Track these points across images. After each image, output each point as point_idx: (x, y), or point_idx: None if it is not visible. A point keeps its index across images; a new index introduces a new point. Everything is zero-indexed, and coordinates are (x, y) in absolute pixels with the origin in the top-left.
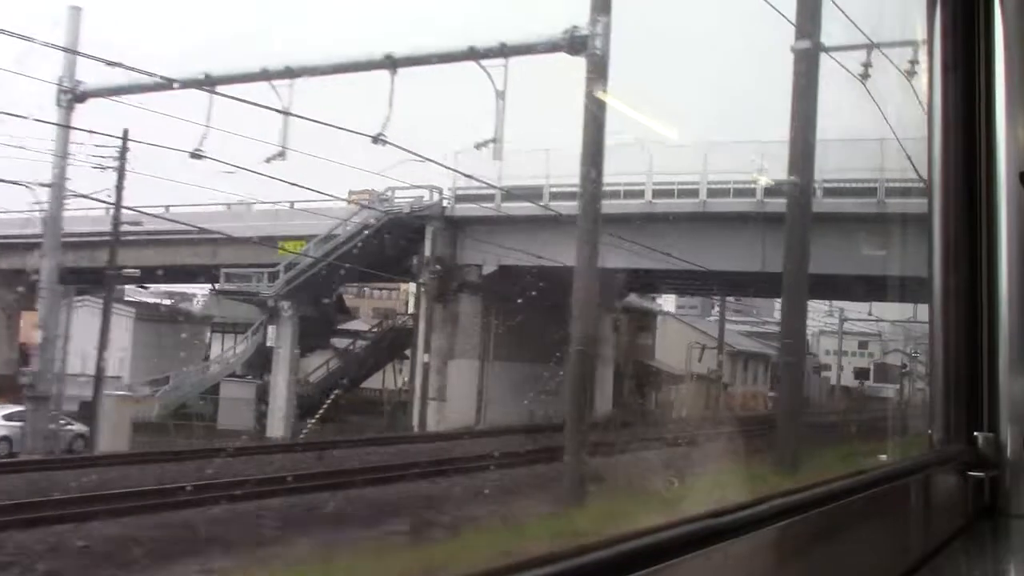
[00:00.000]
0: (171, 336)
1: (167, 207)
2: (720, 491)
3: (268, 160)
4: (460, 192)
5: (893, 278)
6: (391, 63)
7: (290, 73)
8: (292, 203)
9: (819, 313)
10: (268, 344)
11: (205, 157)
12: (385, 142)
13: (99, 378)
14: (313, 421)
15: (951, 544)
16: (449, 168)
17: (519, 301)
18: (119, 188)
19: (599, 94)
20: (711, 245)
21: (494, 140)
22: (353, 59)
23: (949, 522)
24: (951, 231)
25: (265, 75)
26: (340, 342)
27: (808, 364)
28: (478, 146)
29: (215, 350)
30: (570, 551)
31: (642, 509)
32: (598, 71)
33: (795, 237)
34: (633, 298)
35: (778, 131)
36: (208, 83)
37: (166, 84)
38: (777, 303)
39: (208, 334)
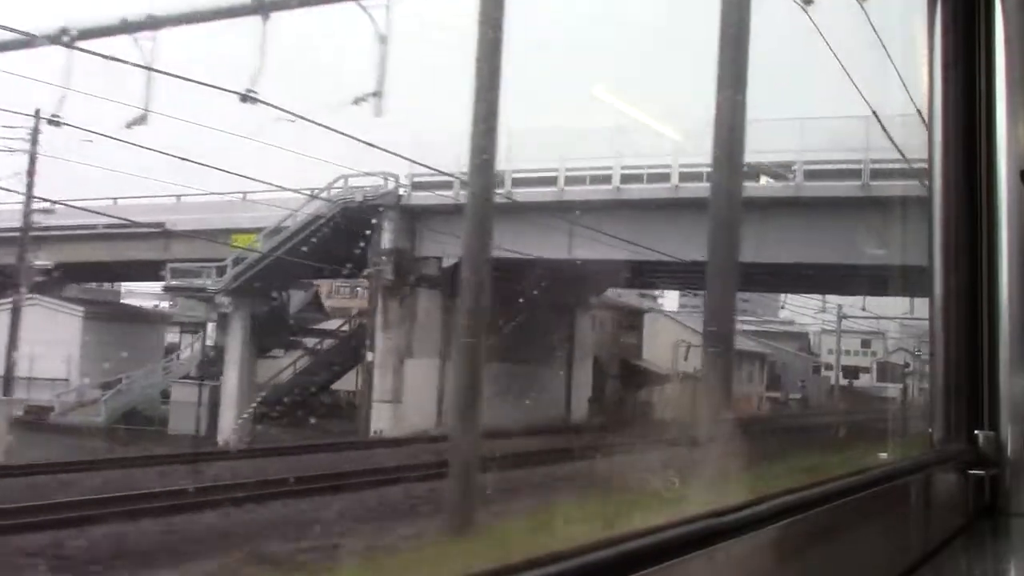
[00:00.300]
0: (129, 336)
1: (115, 199)
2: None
3: (129, 125)
4: (417, 179)
5: (883, 268)
6: (261, 7)
7: (153, 23)
8: (244, 193)
9: (811, 309)
10: (208, 343)
11: (64, 124)
12: (256, 100)
13: (8, 380)
14: (232, 430)
15: (952, 543)
16: (360, 142)
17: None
18: (30, 173)
19: (492, 33)
20: (685, 234)
21: (375, 94)
22: (216, 5)
23: (949, 521)
24: (952, 229)
25: (125, 27)
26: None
27: (807, 363)
28: (357, 101)
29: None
30: (572, 551)
31: (523, 544)
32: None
33: (720, 216)
34: (614, 294)
35: (765, 105)
36: (68, 38)
37: (27, 40)
38: (782, 298)
39: (176, 334)
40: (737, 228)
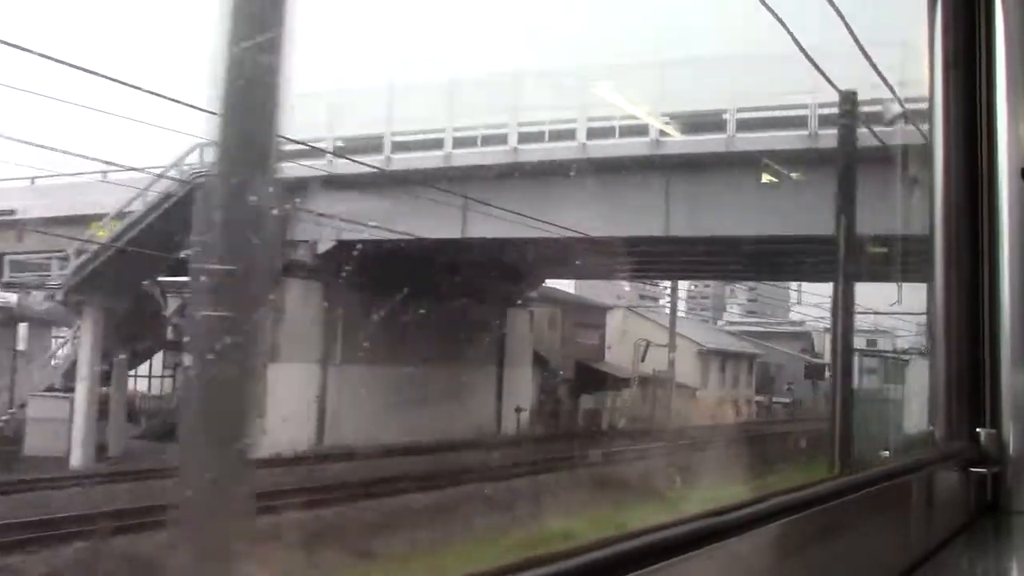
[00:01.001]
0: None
1: None
2: None
3: None
4: (286, 147)
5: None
6: None
7: None
8: (104, 172)
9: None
10: (19, 347)
11: None
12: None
13: None
14: (82, 451)
15: (953, 541)
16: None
17: (371, 286)
18: None
19: None
20: (599, 204)
21: None
22: None
23: (951, 519)
24: (952, 227)
25: None
26: None
27: (804, 365)
28: None
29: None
30: (573, 550)
31: None
32: None
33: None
34: (550, 287)
35: (683, 44)
36: None
37: None
38: (791, 294)
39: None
40: (265, 214)
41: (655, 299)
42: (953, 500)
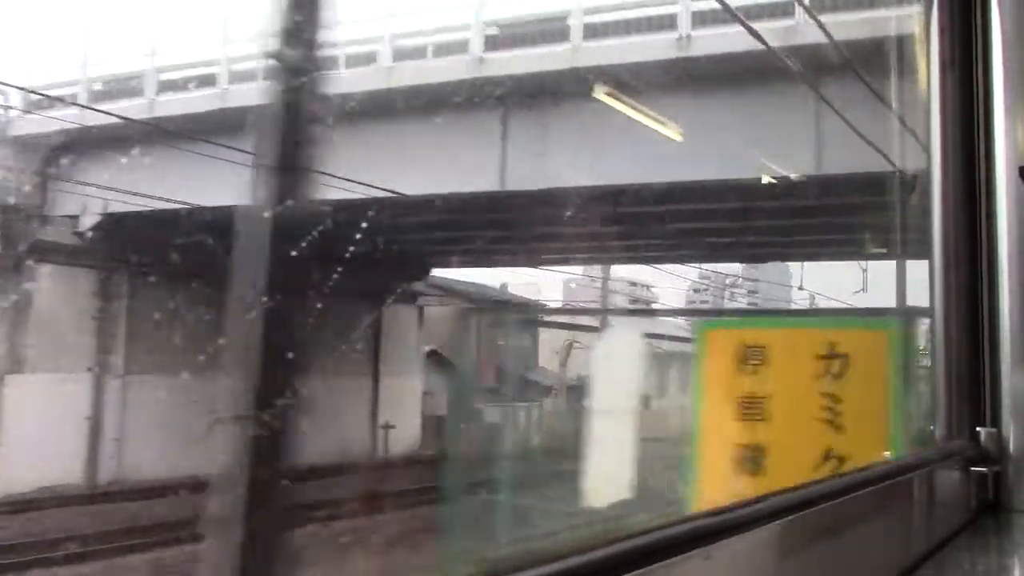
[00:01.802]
0: None
1: None
2: None
3: None
4: (33, 96)
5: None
6: None
7: None
8: None
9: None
10: None
11: None
12: None
13: None
14: None
15: (954, 540)
16: None
17: (172, 274)
18: None
19: None
20: (415, 149)
21: None
22: None
23: (952, 517)
24: (951, 226)
25: None
26: None
27: None
28: None
29: None
30: (568, 550)
31: None
32: None
33: None
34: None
35: None
36: None
37: None
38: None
39: None
40: None
41: (648, 301)
42: (954, 499)
